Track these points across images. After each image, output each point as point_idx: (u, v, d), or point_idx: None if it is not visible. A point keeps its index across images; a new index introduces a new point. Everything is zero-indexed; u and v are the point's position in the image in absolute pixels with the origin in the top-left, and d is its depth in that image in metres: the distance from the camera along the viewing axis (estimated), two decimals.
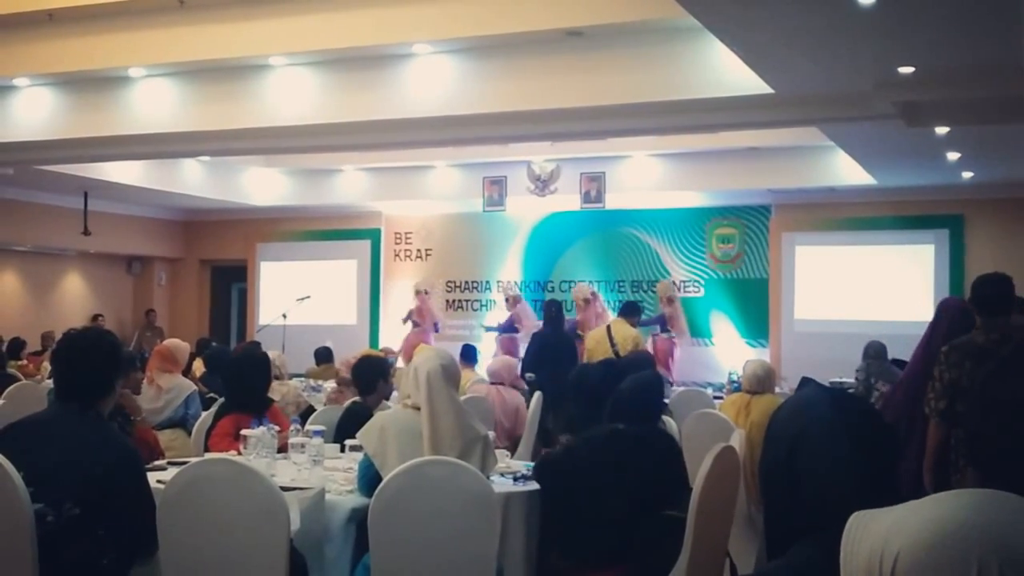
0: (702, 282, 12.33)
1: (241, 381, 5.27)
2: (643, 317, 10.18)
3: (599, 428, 3.96)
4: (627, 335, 8.53)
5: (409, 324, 12.51)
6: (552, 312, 9.22)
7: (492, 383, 7.28)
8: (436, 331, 12.47)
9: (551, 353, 8.55)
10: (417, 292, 12.69)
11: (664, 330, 11.17)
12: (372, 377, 5.37)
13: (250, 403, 5.13)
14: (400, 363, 10.12)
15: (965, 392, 3.98)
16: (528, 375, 8.54)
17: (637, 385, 4.07)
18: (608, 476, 3.73)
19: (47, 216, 12.85)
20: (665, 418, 5.56)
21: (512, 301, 12.00)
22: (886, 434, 1.87)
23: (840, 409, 1.82)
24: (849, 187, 11.13)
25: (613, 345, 8.43)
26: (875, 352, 7.42)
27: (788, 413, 1.90)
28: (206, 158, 12.16)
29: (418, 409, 3.90)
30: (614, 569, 3.71)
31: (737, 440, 4.56)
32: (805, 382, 2.74)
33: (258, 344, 9.00)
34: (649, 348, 10.46)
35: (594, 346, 8.66)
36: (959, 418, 4.06)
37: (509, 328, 11.47)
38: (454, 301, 13.46)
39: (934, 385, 4.21)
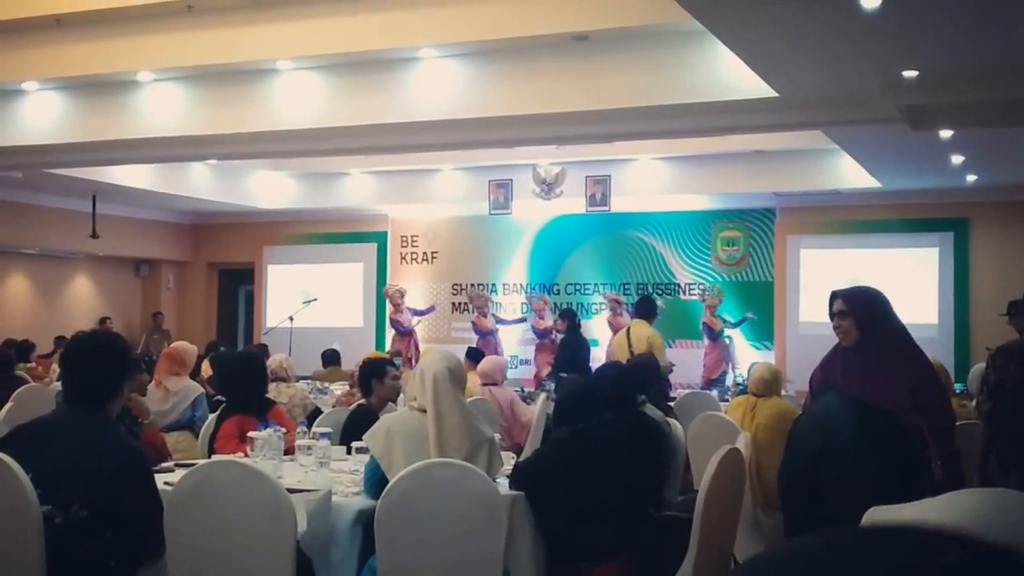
0: (707, 285, 12.32)
1: (233, 383, 5.39)
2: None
3: (564, 429, 4.06)
4: (641, 336, 8.60)
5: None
6: (570, 319, 10.28)
7: (484, 384, 7.27)
8: (408, 329, 12.41)
9: (576, 354, 9.53)
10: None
11: (711, 338, 11.22)
12: (367, 379, 5.40)
13: (249, 405, 5.17)
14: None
15: (1007, 394, 3.99)
16: (561, 375, 9.07)
17: (571, 390, 4.26)
18: (576, 472, 3.79)
19: (56, 219, 12.89)
20: (671, 420, 5.58)
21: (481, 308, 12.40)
22: (911, 448, 1.84)
23: (865, 425, 1.78)
24: (854, 190, 11.12)
25: (630, 346, 8.50)
26: None
27: (811, 424, 1.88)
28: (213, 161, 12.19)
29: (424, 411, 3.91)
30: (610, 564, 3.73)
31: (743, 442, 4.57)
32: (827, 387, 2.72)
33: (265, 347, 9.01)
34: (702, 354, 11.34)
35: (616, 347, 8.90)
36: (1001, 420, 4.06)
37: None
38: (460, 304, 13.48)
39: (983, 388, 4.22)
